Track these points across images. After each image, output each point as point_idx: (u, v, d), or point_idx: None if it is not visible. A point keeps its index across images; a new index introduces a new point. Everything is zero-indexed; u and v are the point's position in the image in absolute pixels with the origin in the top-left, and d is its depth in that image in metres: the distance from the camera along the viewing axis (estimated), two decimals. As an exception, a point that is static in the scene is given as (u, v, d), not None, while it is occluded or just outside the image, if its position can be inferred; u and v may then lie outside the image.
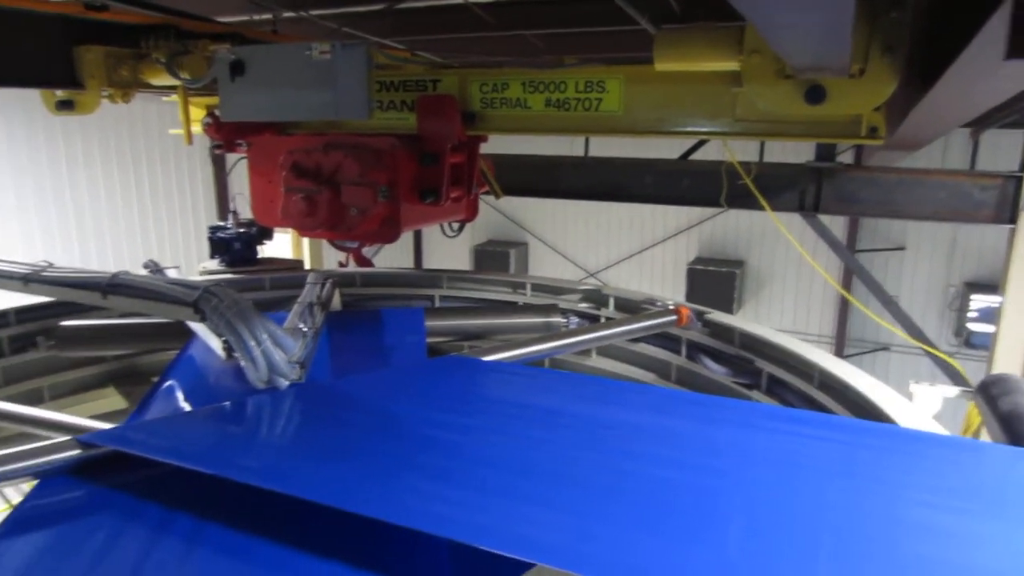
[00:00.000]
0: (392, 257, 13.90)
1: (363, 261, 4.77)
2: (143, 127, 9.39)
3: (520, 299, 4.42)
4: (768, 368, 3.29)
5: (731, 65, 3.01)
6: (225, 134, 4.20)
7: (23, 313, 3.78)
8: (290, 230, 8.58)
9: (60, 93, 4.15)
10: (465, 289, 4.51)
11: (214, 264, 4.53)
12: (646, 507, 1.74)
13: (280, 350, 2.47)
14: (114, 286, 2.66)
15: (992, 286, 11.47)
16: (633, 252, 13.65)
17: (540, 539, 1.62)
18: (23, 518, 1.90)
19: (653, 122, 3.75)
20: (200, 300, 2.46)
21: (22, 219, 8.06)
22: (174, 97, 4.94)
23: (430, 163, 3.93)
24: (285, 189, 3.88)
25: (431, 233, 14.70)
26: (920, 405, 2.60)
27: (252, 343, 2.40)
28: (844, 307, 12.50)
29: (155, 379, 4.24)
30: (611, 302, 4.10)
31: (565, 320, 4.11)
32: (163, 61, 3.98)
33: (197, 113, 5.18)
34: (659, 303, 3.82)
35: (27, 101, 8.02)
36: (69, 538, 1.82)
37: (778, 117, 3.43)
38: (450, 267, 4.94)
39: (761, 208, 4.79)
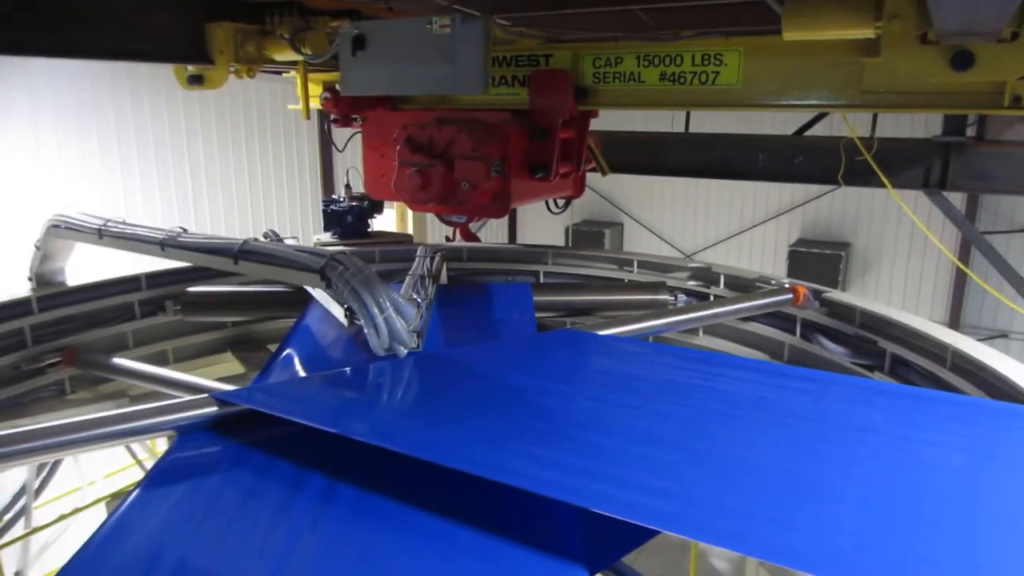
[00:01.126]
0: (486, 234, 14.01)
1: (469, 236, 4.82)
2: (256, 106, 9.78)
3: (626, 276, 4.37)
4: (892, 348, 3.13)
5: (866, 32, 2.85)
6: (342, 108, 4.30)
7: (153, 279, 4.01)
8: (399, 204, 8.79)
9: (191, 68, 4.35)
10: (570, 265, 4.49)
11: (327, 236, 4.69)
12: (768, 480, 1.71)
13: (401, 318, 2.53)
14: (245, 252, 2.78)
15: None
16: (732, 233, 13.25)
17: (666, 509, 1.61)
18: (168, 469, 2.02)
19: (773, 95, 3.60)
20: (326, 267, 2.54)
21: (145, 189, 8.58)
22: (292, 73, 5.12)
23: (541, 138, 3.91)
24: (399, 163, 3.95)
25: (525, 211, 14.72)
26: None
27: (375, 310, 2.46)
28: (959, 291, 11.76)
29: (270, 346, 4.49)
30: (721, 280, 3.99)
31: (673, 298, 4.04)
32: (287, 37, 4.11)
33: (314, 89, 5.36)
34: (773, 281, 3.70)
35: (154, 78, 8.50)
36: (211, 490, 1.92)
37: (909, 88, 3.24)
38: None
39: (881, 185, 4.53)
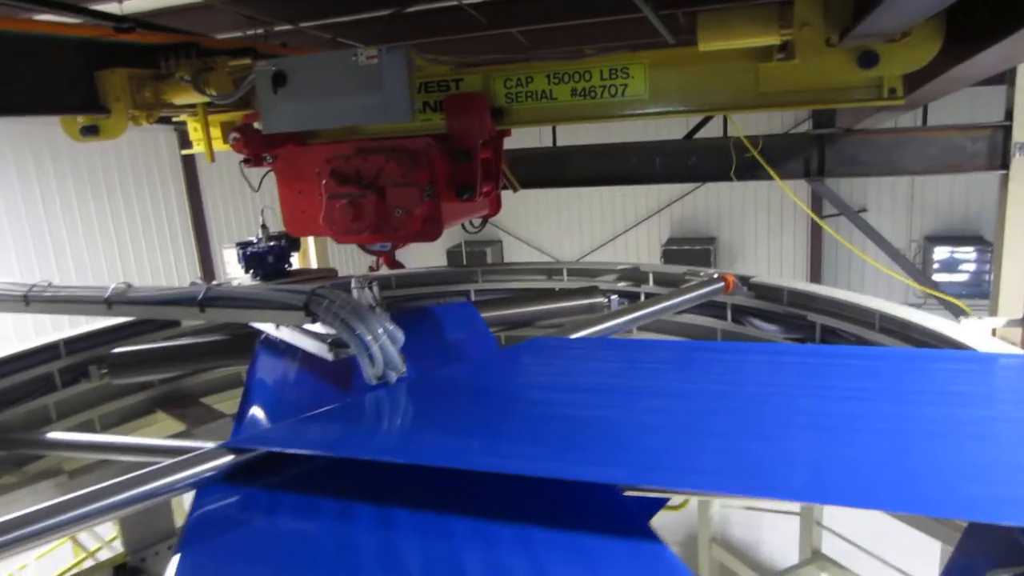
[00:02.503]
0: (353, 265, 13.82)
1: (393, 264, 4.82)
2: (115, 155, 9.19)
3: (556, 285, 4.54)
4: (821, 320, 3.47)
5: (772, 40, 3.17)
6: (254, 148, 4.20)
7: (72, 344, 3.73)
8: (312, 239, 8.45)
9: (81, 119, 4.09)
10: (499, 280, 4.60)
11: (248, 279, 4.52)
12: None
13: (393, 345, 2.54)
14: (211, 299, 2.68)
15: (950, 238, 12.07)
16: (607, 239, 13.88)
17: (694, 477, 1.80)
18: (204, 528, 1.93)
19: (679, 102, 3.90)
20: (311, 302, 2.51)
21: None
22: (183, 117, 4.93)
23: (464, 160, 4.02)
24: (328, 196, 3.92)
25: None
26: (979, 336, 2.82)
27: (370, 339, 2.46)
28: (815, 269, 12.97)
29: (204, 399, 4.29)
30: (651, 278, 4.25)
31: (607, 300, 4.24)
32: (188, 79, 3.96)
33: (195, 135, 5.16)
34: (702, 273, 3.98)
35: (-2, 135, 7.81)
36: (264, 541, 1.86)
37: (799, 87, 3.63)
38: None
39: (768, 178, 5.01)
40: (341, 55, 3.43)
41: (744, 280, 3.84)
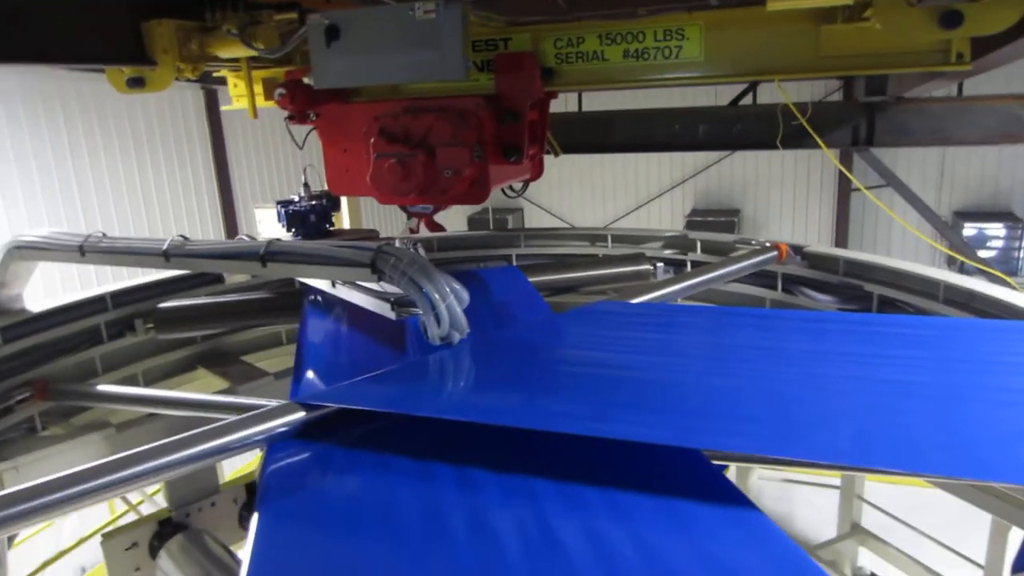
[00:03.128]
0: (385, 228, 13.78)
1: (435, 226, 4.77)
2: (142, 112, 9.12)
3: (600, 251, 4.48)
4: (879, 291, 3.41)
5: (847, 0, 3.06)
6: (300, 104, 4.13)
7: (119, 297, 3.72)
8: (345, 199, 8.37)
9: (127, 71, 4.03)
10: (542, 245, 4.55)
11: (289, 237, 4.48)
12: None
13: (460, 305, 2.50)
14: (273, 253, 2.65)
15: (979, 214, 11.89)
16: (630, 208, 13.77)
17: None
18: (280, 485, 1.90)
19: (735, 66, 3.80)
20: (377, 260, 2.46)
21: (30, 205, 7.84)
22: (224, 72, 4.86)
23: (512, 121, 3.94)
24: (376, 156, 3.86)
25: (423, 204, 14.57)
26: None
27: (437, 298, 2.42)
28: (840, 246, 12.83)
29: (244, 358, 4.28)
30: (698, 246, 4.18)
31: (653, 268, 4.19)
32: (235, 32, 3.88)
33: (235, 91, 5.09)
34: (754, 241, 3.91)
35: (25, 89, 7.75)
36: (347, 498, 1.83)
37: (861, 51, 3.52)
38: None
39: (815, 146, 4.90)
40: (397, 8, 3.35)
41: (797, 249, 3.77)
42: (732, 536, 1.58)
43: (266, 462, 2.01)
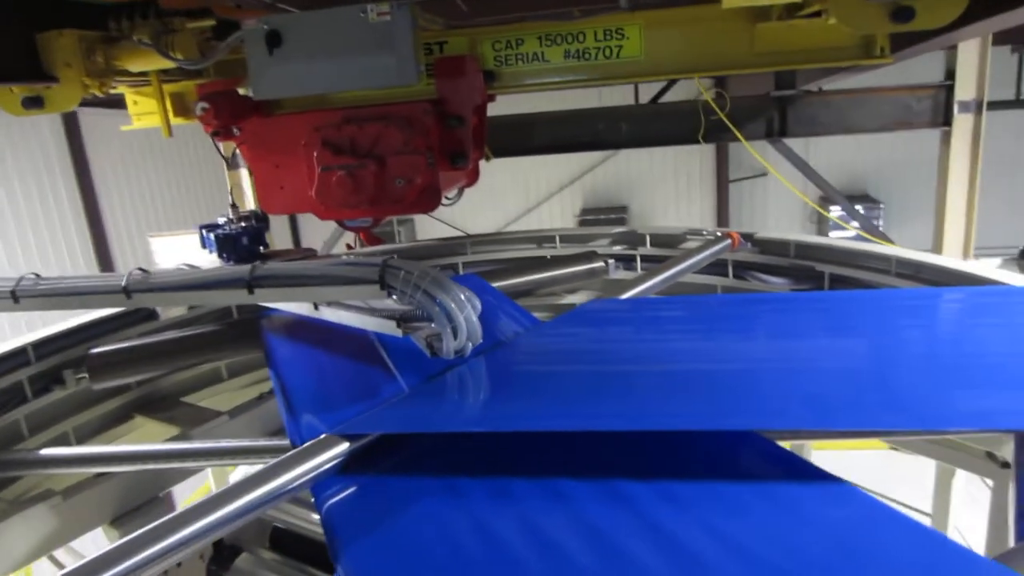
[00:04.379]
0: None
1: (373, 239, 4.58)
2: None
3: (547, 252, 4.45)
4: (830, 269, 3.58)
5: (797, -3, 3.20)
6: (224, 119, 3.84)
7: (43, 347, 3.28)
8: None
9: (16, 89, 3.57)
10: (490, 251, 4.47)
11: (219, 263, 4.11)
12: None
13: (475, 313, 2.38)
14: (262, 278, 2.42)
15: (844, 196, 12.95)
16: (521, 213, 13.89)
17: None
18: (352, 523, 1.72)
19: (674, 64, 3.90)
20: (386, 275, 2.31)
21: None
22: (121, 89, 4.44)
23: (456, 125, 3.86)
24: (322, 169, 3.67)
25: (305, 217, 14.09)
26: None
27: (454, 308, 2.29)
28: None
29: (185, 399, 3.91)
30: (647, 240, 4.24)
31: (605, 265, 4.20)
32: (148, 42, 3.55)
33: (137, 108, 4.67)
34: (705, 231, 4.02)
35: None
36: (411, 532, 1.68)
37: (793, 48, 3.72)
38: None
39: (733, 139, 5.13)
40: (347, 11, 3.18)
41: (748, 237, 3.91)
42: (844, 515, 1.58)
43: (320, 503, 1.82)
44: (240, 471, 5.91)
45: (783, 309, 2.69)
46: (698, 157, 12.87)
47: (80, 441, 3.51)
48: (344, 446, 1.91)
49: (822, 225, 12.70)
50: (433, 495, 1.79)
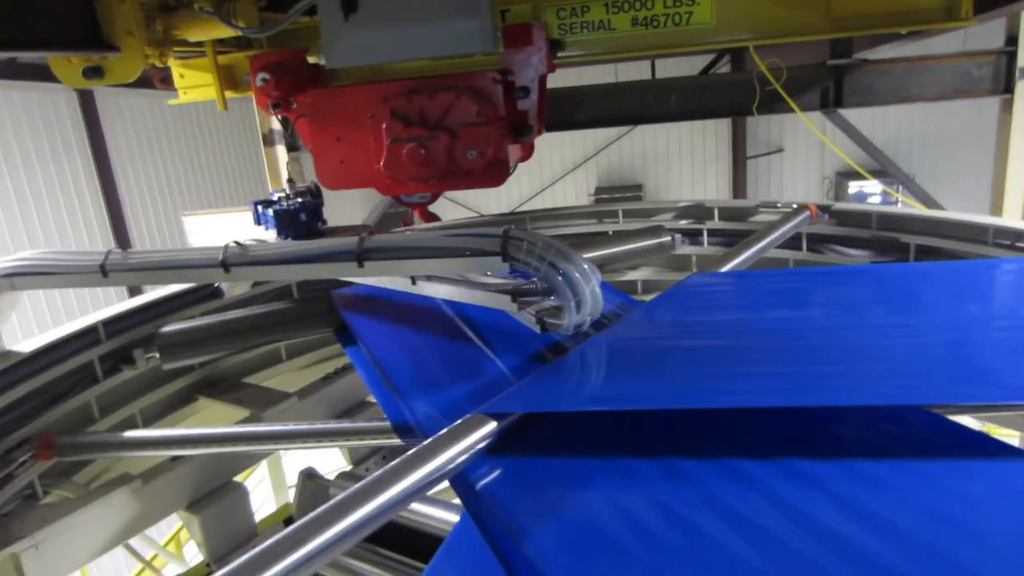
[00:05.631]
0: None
1: (429, 216, 4.46)
2: (10, 119, 7.96)
3: (610, 228, 4.34)
4: (916, 240, 3.48)
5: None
6: (284, 90, 3.70)
7: (112, 324, 3.16)
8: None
9: (75, 60, 3.42)
10: (551, 227, 4.35)
11: (261, 240, 3.98)
12: None
13: (597, 284, 2.28)
14: (370, 251, 2.30)
15: (860, 174, 12.85)
16: (535, 191, 13.74)
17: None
18: (516, 509, 1.62)
19: (746, 30, 3.78)
20: (509, 245, 2.20)
21: None
22: (170, 61, 4.29)
23: (523, 96, 3.75)
24: (391, 141, 3.54)
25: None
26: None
27: (579, 279, 2.19)
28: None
29: (247, 379, 3.81)
30: (715, 213, 4.13)
31: (672, 240, 4.10)
32: (210, 10, 3.40)
33: (183, 82, 4.52)
34: (780, 204, 3.92)
35: None
36: (599, 511, 1.58)
37: (872, 10, 3.59)
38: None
39: (788, 111, 5.01)
40: (428, -27, 3.04)
41: (825, 209, 3.81)
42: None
43: (474, 483, 1.72)
44: (295, 455, 5.80)
45: (908, 279, 2.58)
46: (713, 134, 12.74)
47: (147, 423, 3.42)
48: (492, 425, 1.81)
49: (839, 200, 12.61)
50: (601, 475, 1.70)
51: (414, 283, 2.64)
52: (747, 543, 1.40)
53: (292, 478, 7.01)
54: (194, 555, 6.43)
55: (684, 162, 13.21)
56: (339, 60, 3.23)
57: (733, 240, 4.11)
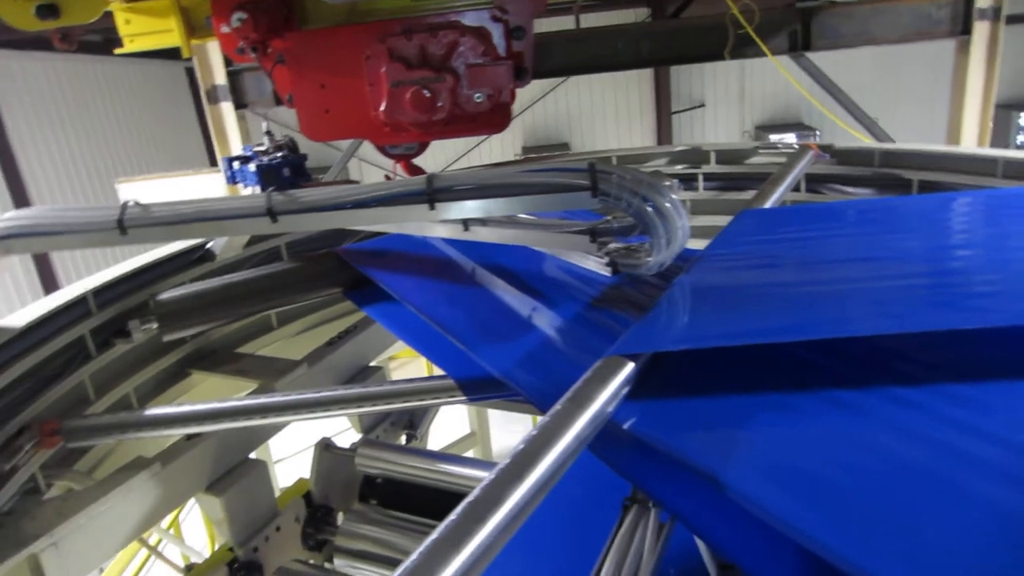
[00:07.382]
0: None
1: (415, 170, 4.22)
2: None
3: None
4: (920, 176, 3.55)
5: None
6: (262, 32, 3.36)
7: (103, 294, 2.81)
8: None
9: (27, -5, 2.97)
10: (544, 176, 4.19)
11: (259, 199, 3.63)
12: None
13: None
14: (441, 190, 2.10)
15: (775, 126, 13.28)
16: (460, 153, 13.45)
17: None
18: (713, 451, 1.50)
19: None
20: (598, 179, 2.06)
21: None
22: (113, 5, 3.84)
23: (520, 37, 3.57)
24: (393, 84, 3.29)
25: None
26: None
27: (671, 210, 2.08)
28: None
29: (240, 350, 3.51)
30: (712, 157, 4.09)
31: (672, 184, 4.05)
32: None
33: (128, 28, 4.05)
34: (779, 144, 3.92)
35: None
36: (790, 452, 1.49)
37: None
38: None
39: (760, 54, 5.01)
40: None
41: (826, 148, 3.83)
42: None
43: (621, 426, 1.59)
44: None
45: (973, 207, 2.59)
46: (636, 91, 12.81)
47: (141, 403, 3.09)
48: (631, 367, 1.68)
49: (759, 155, 13.04)
50: (765, 411, 1.60)
51: (466, 228, 2.45)
52: (964, 465, 1.35)
53: (277, 452, 6.62)
54: (193, 538, 5.98)
55: (608, 119, 13.25)
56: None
57: (729, 185, 4.10)
